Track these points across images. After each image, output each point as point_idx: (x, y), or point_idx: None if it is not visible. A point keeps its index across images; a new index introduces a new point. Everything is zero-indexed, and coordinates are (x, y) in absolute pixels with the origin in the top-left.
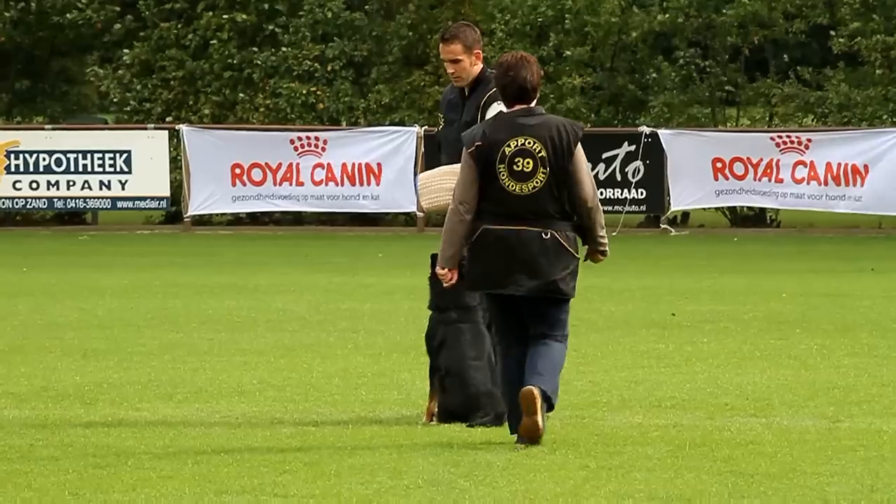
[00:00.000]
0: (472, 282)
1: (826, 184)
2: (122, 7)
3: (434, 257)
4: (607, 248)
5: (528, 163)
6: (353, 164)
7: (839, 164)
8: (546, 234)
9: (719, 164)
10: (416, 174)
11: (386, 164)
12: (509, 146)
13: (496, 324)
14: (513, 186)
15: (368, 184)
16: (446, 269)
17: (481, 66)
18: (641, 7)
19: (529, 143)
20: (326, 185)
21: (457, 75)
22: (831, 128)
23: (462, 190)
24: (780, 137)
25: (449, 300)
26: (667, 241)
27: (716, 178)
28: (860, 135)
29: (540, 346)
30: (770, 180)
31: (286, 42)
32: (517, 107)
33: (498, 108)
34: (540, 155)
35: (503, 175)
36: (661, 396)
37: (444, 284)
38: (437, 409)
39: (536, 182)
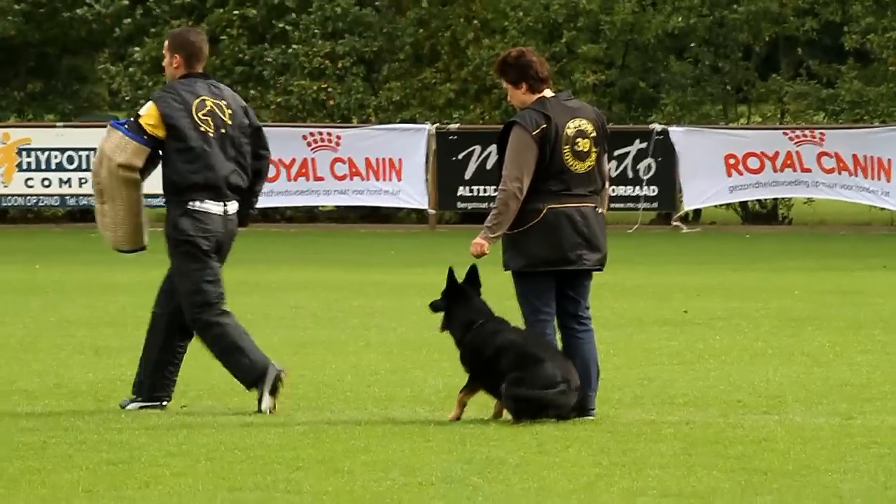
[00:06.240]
0: (539, 260)
1: (855, 174)
2: (132, 1)
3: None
4: None
5: (585, 143)
6: (366, 161)
7: (865, 157)
8: (599, 210)
9: (732, 161)
10: (427, 171)
11: (398, 161)
12: (569, 128)
13: (541, 305)
14: (575, 166)
15: (383, 179)
16: (486, 247)
17: None
18: (654, 6)
19: (584, 124)
20: (342, 180)
21: None
22: (842, 125)
23: (521, 171)
24: (793, 132)
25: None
26: (678, 239)
27: (729, 175)
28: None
29: (586, 342)
30: (794, 171)
31: (296, 39)
32: (547, 91)
33: None
34: (592, 135)
35: (567, 155)
36: (674, 394)
37: (475, 254)
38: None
39: (591, 161)
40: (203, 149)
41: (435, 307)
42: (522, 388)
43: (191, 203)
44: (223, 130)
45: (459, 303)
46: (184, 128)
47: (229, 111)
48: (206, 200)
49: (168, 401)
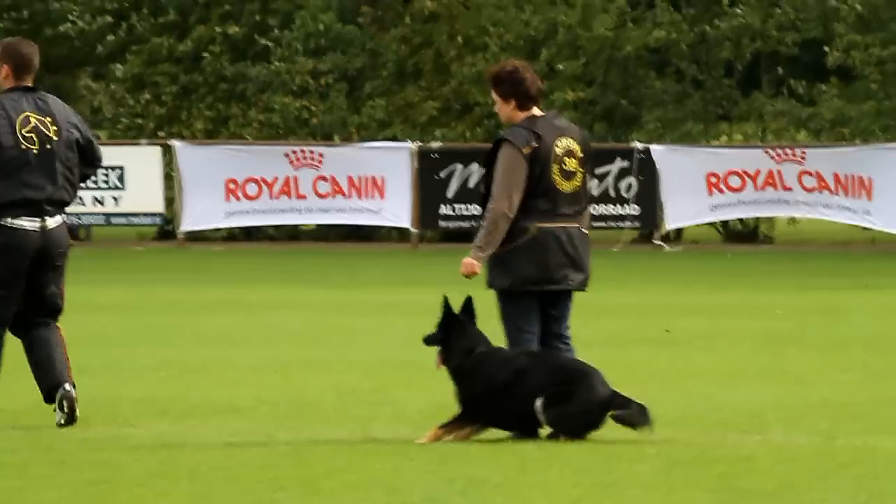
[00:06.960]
0: (525, 280)
1: (837, 193)
2: (115, 18)
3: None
4: None
5: (573, 162)
6: (349, 179)
7: (846, 175)
8: (584, 229)
9: (714, 179)
10: (411, 190)
11: (381, 179)
12: (558, 146)
13: (525, 325)
14: (562, 185)
15: (365, 197)
16: (477, 266)
17: None
18: (634, 22)
19: (571, 143)
20: (325, 198)
21: None
22: (824, 143)
23: (511, 190)
24: (774, 151)
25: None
26: (660, 258)
27: (710, 193)
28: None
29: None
30: (776, 190)
31: (279, 56)
32: (536, 109)
33: None
34: (579, 155)
35: (555, 174)
36: (655, 413)
37: (465, 274)
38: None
39: (577, 181)
40: (21, 166)
41: (429, 341)
42: (573, 405)
43: (2, 220)
44: (48, 146)
45: (456, 332)
46: (4, 144)
47: (55, 128)
48: (21, 217)
49: None
